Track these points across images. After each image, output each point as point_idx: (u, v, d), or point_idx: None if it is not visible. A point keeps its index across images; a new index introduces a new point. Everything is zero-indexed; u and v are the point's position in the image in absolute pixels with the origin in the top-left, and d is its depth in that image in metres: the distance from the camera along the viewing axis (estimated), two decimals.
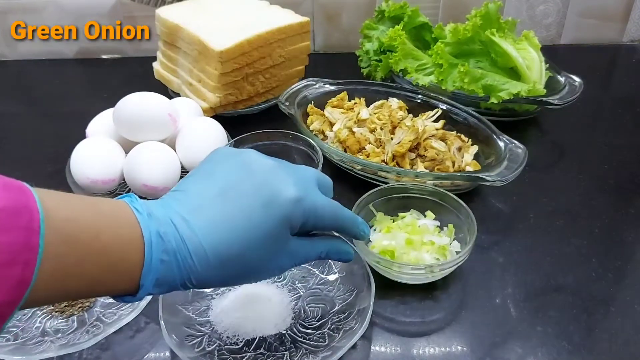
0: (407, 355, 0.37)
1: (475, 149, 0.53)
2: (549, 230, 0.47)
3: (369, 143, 0.52)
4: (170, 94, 0.65)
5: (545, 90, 0.57)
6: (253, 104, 0.62)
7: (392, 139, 0.51)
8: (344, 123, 0.54)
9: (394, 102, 0.57)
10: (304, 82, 0.59)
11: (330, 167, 0.53)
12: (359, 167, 0.50)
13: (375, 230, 0.45)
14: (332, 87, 0.59)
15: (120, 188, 0.50)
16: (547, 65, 0.61)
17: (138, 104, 0.50)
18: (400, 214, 0.46)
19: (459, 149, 0.52)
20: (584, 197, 0.51)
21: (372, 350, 0.38)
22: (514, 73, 0.59)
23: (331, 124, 0.55)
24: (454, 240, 0.44)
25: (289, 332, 0.38)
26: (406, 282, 0.42)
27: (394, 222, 0.45)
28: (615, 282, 0.42)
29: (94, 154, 0.48)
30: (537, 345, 0.37)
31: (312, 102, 0.58)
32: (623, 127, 0.62)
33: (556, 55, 0.70)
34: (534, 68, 0.59)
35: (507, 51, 0.58)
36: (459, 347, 0.38)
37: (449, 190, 0.46)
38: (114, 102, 0.50)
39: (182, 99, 0.58)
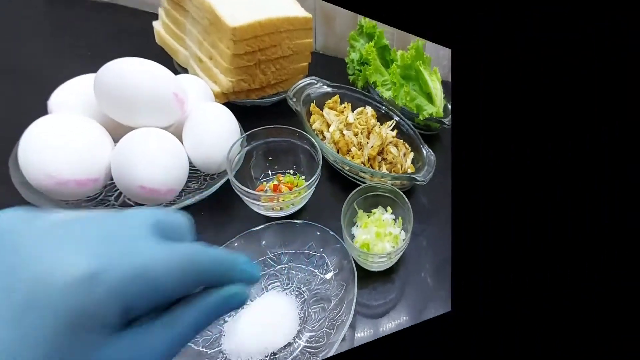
0: (377, 334, 0.42)
1: (412, 155, 0.73)
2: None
3: (354, 145, 0.65)
4: (175, 67, 0.54)
5: (443, 114, 0.81)
6: (265, 94, 0.61)
7: (367, 143, 0.66)
8: (337, 125, 0.64)
9: (369, 109, 0.69)
10: (307, 80, 0.64)
11: (328, 167, 0.59)
12: (347, 168, 0.61)
13: (358, 226, 0.54)
14: (329, 89, 0.66)
15: (107, 192, 0.36)
16: (444, 95, 0.84)
17: (132, 73, 0.35)
18: (373, 210, 0.56)
19: (404, 155, 0.72)
20: None
21: (355, 337, 0.41)
22: (429, 97, 0.81)
23: (328, 125, 0.64)
24: (402, 230, 0.55)
25: (295, 339, 0.39)
26: (376, 269, 0.50)
27: (369, 217, 0.54)
28: None
29: (63, 141, 0.31)
30: (447, 305, 0.49)
31: (314, 102, 0.64)
32: None
33: (448, 88, 0.93)
34: (439, 96, 0.82)
35: (427, 81, 0.79)
36: (404, 318, 0.46)
37: (398, 189, 0.63)
38: (96, 65, 0.35)
39: (190, 76, 0.49)
